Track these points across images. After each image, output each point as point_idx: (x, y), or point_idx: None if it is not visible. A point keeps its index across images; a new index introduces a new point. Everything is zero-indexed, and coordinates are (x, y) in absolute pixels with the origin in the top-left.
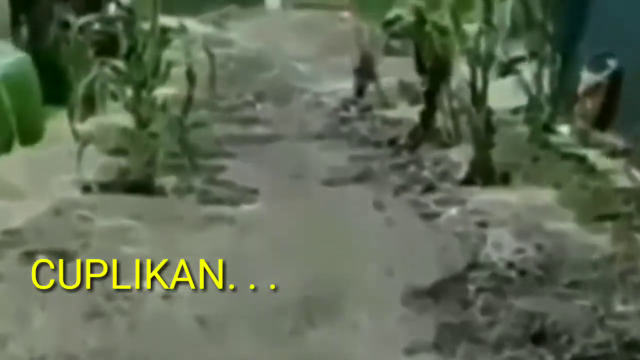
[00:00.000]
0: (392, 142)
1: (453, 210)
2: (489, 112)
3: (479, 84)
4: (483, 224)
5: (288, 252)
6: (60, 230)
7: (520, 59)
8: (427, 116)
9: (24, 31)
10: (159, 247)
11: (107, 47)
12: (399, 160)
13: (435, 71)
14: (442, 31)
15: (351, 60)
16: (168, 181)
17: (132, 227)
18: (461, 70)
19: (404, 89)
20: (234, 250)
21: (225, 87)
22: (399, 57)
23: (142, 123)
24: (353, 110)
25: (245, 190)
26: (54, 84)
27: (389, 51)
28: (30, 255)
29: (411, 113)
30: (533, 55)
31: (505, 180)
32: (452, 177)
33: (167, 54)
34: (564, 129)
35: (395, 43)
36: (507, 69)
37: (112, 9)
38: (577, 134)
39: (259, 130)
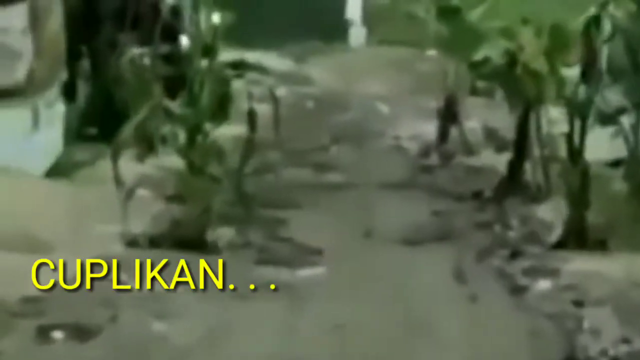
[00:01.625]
0: (477, 195)
1: (544, 283)
2: (587, 168)
3: (576, 135)
4: (579, 303)
5: (350, 336)
6: (86, 299)
7: (623, 110)
8: (515, 167)
9: (85, 63)
10: (197, 323)
11: (176, 83)
12: (484, 216)
13: (525, 118)
14: (536, 75)
15: (435, 102)
16: (224, 234)
17: (170, 295)
18: (553, 117)
19: (489, 134)
20: (283, 329)
21: (300, 127)
22: (483, 98)
23: (196, 170)
24: (435, 157)
25: (308, 249)
26: (115, 120)
27: (473, 91)
28: (44, 331)
29: (496, 161)
30: (638, 105)
31: (602, 245)
32: (542, 239)
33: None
34: None
35: (480, 83)
36: (609, 119)
37: (184, 41)
38: None
39: (331, 177)
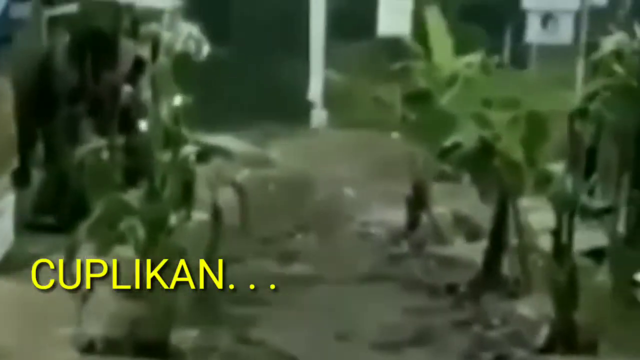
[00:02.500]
0: (451, 289)
1: None
2: (575, 267)
3: (563, 232)
4: None
5: None
6: None
7: (611, 209)
8: (492, 259)
9: (39, 148)
10: None
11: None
12: (461, 314)
13: (502, 209)
14: (515, 167)
15: (402, 186)
16: (188, 337)
17: None
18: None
19: (459, 221)
20: None
21: (263, 213)
22: (450, 183)
23: (157, 270)
24: (404, 246)
25: (280, 356)
26: (72, 209)
27: (440, 176)
28: None
29: (469, 251)
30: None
31: (592, 348)
32: (527, 342)
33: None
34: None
35: (447, 167)
36: (595, 217)
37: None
38: None
39: (297, 268)
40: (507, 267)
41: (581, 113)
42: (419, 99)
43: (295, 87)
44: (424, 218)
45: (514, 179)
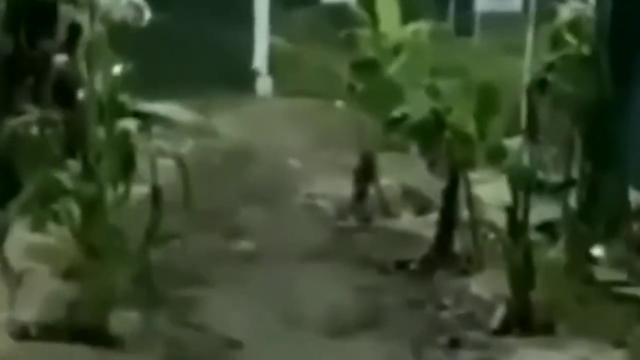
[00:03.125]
0: (401, 266)
1: None
2: (531, 246)
3: (519, 209)
4: None
5: None
6: None
7: (571, 183)
8: (443, 236)
9: None
10: None
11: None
12: (412, 294)
13: (453, 184)
14: (467, 140)
15: (348, 157)
16: (128, 321)
17: None
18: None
19: (408, 195)
20: None
21: (206, 186)
22: (398, 152)
23: (93, 252)
24: (352, 220)
25: (225, 342)
26: (7, 184)
27: (387, 146)
28: None
29: (418, 225)
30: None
31: (548, 329)
32: (481, 322)
33: None
34: (597, 251)
35: (394, 136)
36: (553, 192)
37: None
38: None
39: (241, 244)
40: (459, 243)
41: (540, 85)
42: (365, 67)
43: (239, 54)
44: (372, 191)
45: (465, 152)
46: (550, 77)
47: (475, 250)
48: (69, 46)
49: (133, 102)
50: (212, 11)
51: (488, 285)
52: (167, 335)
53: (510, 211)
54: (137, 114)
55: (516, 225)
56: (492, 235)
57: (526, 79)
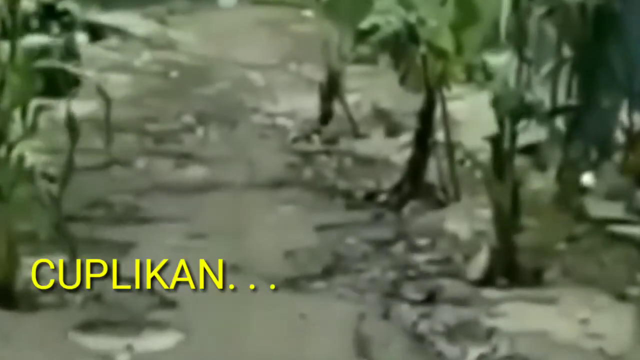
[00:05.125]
0: (370, 197)
1: (477, 353)
2: (518, 183)
3: (505, 140)
4: None
5: None
6: None
7: (567, 108)
8: (417, 163)
9: None
10: None
11: None
12: (381, 231)
13: (429, 105)
14: (442, 55)
15: (314, 70)
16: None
17: None
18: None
19: (379, 114)
20: None
21: (162, 103)
22: (368, 65)
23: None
24: (316, 141)
25: (157, 299)
26: None
27: (356, 59)
28: None
29: (388, 148)
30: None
31: (536, 278)
32: (460, 270)
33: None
34: (588, 179)
35: (363, 48)
36: (546, 119)
37: None
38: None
39: (194, 172)
40: (434, 170)
41: None
42: None
43: None
44: (339, 109)
45: (441, 68)
46: None
47: (452, 178)
48: None
49: (83, 11)
50: None
51: (466, 220)
52: (87, 294)
53: (495, 142)
54: (89, 25)
55: (501, 158)
56: (469, 161)
57: None
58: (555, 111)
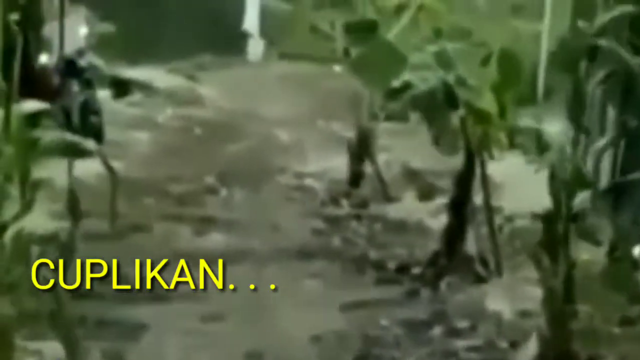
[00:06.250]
0: (403, 270)
1: None
2: (572, 265)
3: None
4: None
5: None
6: None
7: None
8: (454, 234)
9: None
10: None
11: None
12: (416, 311)
13: (468, 170)
14: (484, 117)
15: (343, 128)
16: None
17: None
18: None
19: (410, 175)
20: None
21: (184, 162)
22: (398, 122)
23: None
24: (345, 205)
25: None
26: None
27: (385, 116)
28: None
29: (421, 212)
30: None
31: None
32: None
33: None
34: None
35: (393, 104)
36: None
37: None
38: None
39: (215, 239)
40: (472, 241)
41: (590, 53)
42: (363, 29)
43: (230, 15)
44: (369, 170)
45: (482, 133)
46: (603, 42)
47: (492, 249)
48: None
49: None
50: None
51: (509, 298)
52: None
53: (549, 218)
54: (113, 81)
55: (555, 237)
56: (508, 227)
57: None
58: (616, 185)
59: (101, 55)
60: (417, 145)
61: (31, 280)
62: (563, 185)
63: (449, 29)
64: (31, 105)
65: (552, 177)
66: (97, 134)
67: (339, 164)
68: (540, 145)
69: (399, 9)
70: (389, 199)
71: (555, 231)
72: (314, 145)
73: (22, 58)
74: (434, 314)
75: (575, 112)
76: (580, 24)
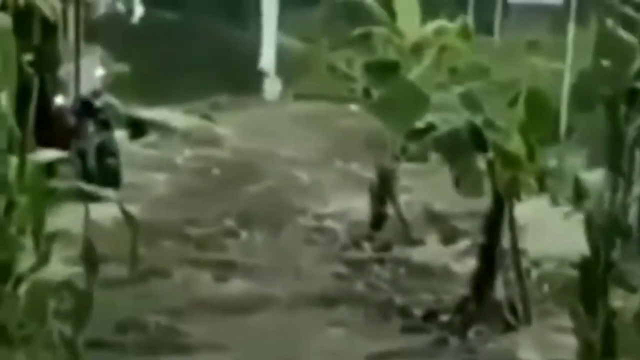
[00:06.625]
0: (430, 317)
1: None
2: (611, 316)
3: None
4: None
5: None
6: None
7: None
8: (482, 280)
9: None
10: None
11: None
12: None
13: (497, 215)
14: (513, 161)
15: (363, 169)
16: None
17: None
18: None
19: (432, 218)
20: None
21: (203, 203)
22: (417, 163)
23: (4, 336)
24: (367, 248)
25: None
26: None
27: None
28: None
29: (445, 255)
30: None
31: None
32: None
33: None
34: None
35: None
36: None
37: None
38: None
39: (236, 286)
40: (500, 287)
41: (630, 97)
42: (384, 69)
43: (246, 54)
44: (390, 212)
45: (510, 176)
46: None
47: (521, 296)
48: None
49: (127, 104)
50: (219, 9)
51: (541, 348)
52: None
53: (586, 269)
54: (130, 122)
55: (594, 288)
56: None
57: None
58: None
59: (117, 96)
60: (437, 186)
61: (47, 333)
62: (601, 233)
63: (466, 67)
64: (47, 154)
65: (589, 225)
66: (115, 176)
67: (359, 205)
68: (577, 192)
69: (417, 48)
70: (412, 242)
71: (593, 280)
72: (333, 186)
73: (38, 99)
74: None
75: (614, 157)
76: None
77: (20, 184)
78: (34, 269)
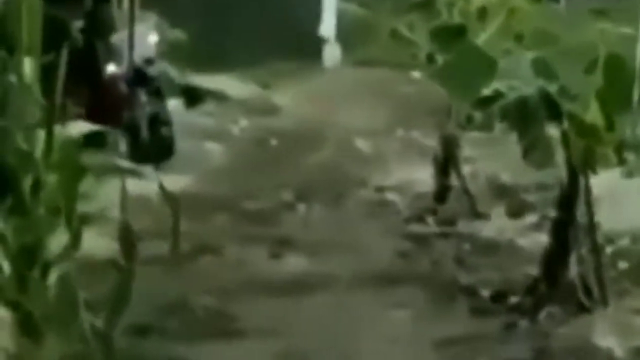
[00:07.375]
0: (498, 298)
1: None
2: None
3: None
4: None
5: None
6: None
7: None
8: (556, 260)
9: None
10: None
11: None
12: (516, 348)
13: (572, 191)
14: (590, 132)
15: (426, 138)
16: None
17: None
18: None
19: (498, 189)
20: None
21: (260, 175)
22: (481, 132)
23: (30, 327)
24: (431, 223)
25: None
26: None
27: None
28: None
29: (512, 230)
30: None
31: None
32: None
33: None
34: None
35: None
36: None
37: None
38: None
39: (292, 264)
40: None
41: None
42: (451, 35)
43: (305, 20)
44: (455, 184)
45: (587, 148)
46: None
47: (596, 276)
48: None
49: (182, 72)
50: None
51: (620, 332)
52: None
53: None
54: (185, 90)
55: None
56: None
57: None
58: None
59: (172, 64)
60: (502, 156)
61: (79, 324)
62: None
63: (534, 33)
64: (80, 127)
65: None
66: (168, 147)
67: (421, 176)
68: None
69: (482, 13)
70: (477, 215)
71: None
72: (394, 156)
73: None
74: (536, 352)
75: None
76: None
77: (47, 161)
78: (64, 254)
